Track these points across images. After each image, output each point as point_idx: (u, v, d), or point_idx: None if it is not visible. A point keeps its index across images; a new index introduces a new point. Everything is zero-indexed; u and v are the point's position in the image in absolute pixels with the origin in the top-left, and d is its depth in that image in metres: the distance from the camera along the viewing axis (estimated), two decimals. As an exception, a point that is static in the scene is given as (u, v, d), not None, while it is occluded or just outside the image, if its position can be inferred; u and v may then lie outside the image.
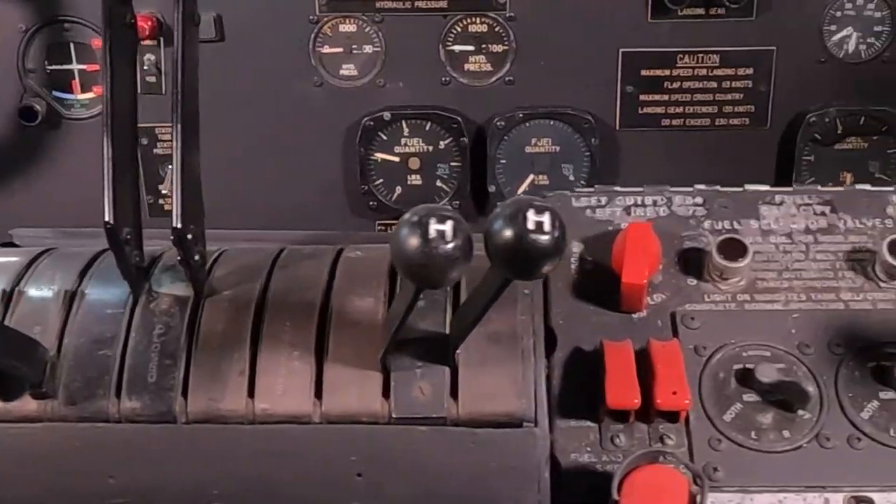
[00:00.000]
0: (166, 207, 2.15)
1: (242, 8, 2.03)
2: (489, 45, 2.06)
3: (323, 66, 2.07)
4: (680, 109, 2.10)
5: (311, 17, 2.04)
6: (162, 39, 2.05)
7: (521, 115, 2.07)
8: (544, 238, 0.97)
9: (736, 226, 1.41)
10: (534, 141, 2.09)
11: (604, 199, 1.44)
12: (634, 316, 1.34)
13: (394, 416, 1.13)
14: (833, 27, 2.04)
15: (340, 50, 2.07)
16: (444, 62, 2.06)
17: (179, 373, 1.16)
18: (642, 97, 2.09)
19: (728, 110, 2.10)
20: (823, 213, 1.42)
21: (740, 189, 1.45)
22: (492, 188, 2.10)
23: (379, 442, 1.13)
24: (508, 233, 0.97)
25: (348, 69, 2.08)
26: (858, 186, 1.45)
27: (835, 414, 1.25)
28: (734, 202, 1.43)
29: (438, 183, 2.12)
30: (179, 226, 1.14)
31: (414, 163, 2.11)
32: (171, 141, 2.06)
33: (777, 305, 1.34)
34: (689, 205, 1.43)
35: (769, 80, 2.07)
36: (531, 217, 0.97)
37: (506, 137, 2.08)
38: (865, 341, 1.30)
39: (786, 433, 1.24)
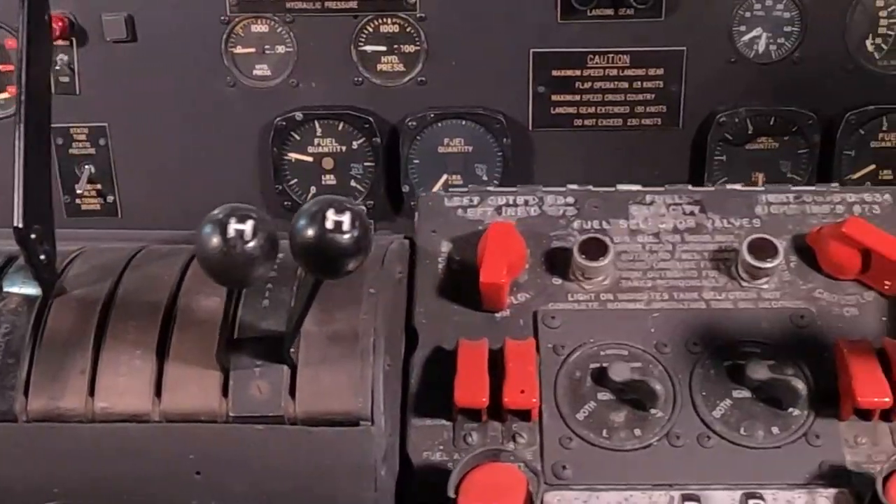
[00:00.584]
0: (83, 207, 2.16)
1: (154, 8, 2.03)
2: (401, 46, 2.07)
3: (236, 66, 2.08)
4: (592, 110, 2.10)
5: (222, 18, 2.04)
6: (74, 40, 2.05)
7: (432, 116, 2.07)
8: (343, 237, 0.98)
9: (605, 225, 1.42)
10: (446, 141, 2.10)
11: (476, 199, 1.45)
12: (497, 315, 1.35)
13: (231, 414, 1.14)
14: (743, 28, 2.05)
15: (253, 50, 2.07)
16: (357, 62, 2.07)
17: (22, 372, 1.17)
18: (554, 97, 2.09)
19: (640, 110, 2.10)
20: (692, 213, 1.43)
21: (612, 189, 1.45)
22: (405, 188, 2.11)
23: (217, 440, 1.14)
24: (309, 232, 0.98)
25: (261, 69, 2.08)
26: (729, 186, 1.46)
27: (687, 413, 1.26)
28: (605, 202, 1.44)
29: (353, 183, 2.13)
30: (21, 225, 1.14)
31: (328, 163, 2.11)
32: (83, 141, 2.11)
33: (639, 305, 1.35)
34: (560, 205, 1.44)
35: (680, 80, 2.08)
36: (331, 216, 0.98)
37: (418, 137, 2.09)
38: (723, 340, 1.31)
39: (637, 432, 1.25)
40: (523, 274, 1.38)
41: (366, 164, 2.11)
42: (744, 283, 1.36)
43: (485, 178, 2.12)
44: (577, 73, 2.08)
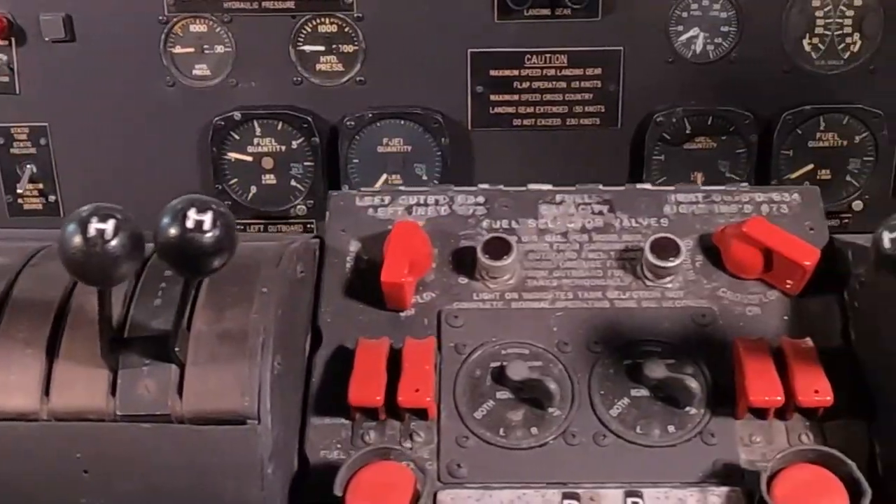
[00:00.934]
0: (25, 207, 2.16)
1: (92, 8, 2.04)
2: (339, 46, 2.07)
3: (175, 66, 2.08)
4: (531, 109, 2.11)
5: (160, 18, 2.05)
6: (13, 39, 2.05)
7: (370, 115, 2.08)
8: (204, 237, 0.98)
9: (514, 225, 1.42)
10: (385, 141, 2.10)
11: (387, 199, 1.45)
12: (402, 315, 1.35)
13: (119, 413, 1.14)
14: (680, 28, 2.05)
15: (192, 50, 2.08)
16: (295, 62, 2.07)
17: None
18: (493, 97, 2.10)
19: (578, 110, 2.11)
20: (601, 213, 1.43)
21: (523, 188, 1.46)
22: (345, 188, 2.11)
23: (105, 439, 1.14)
24: (171, 231, 0.99)
25: (201, 69, 2.09)
26: (639, 186, 1.47)
27: (584, 411, 1.27)
28: (515, 201, 1.44)
29: (293, 182, 2.13)
30: None
31: (267, 162, 2.12)
32: (23, 141, 2.12)
33: (543, 304, 1.35)
34: (471, 204, 1.44)
35: (618, 80, 2.08)
36: (192, 216, 0.98)
37: (357, 137, 2.09)
38: (624, 339, 1.31)
39: (534, 430, 1.26)
40: (430, 273, 1.38)
41: (305, 163, 2.12)
42: (648, 283, 1.37)
43: (424, 177, 2.12)
44: (515, 72, 2.08)
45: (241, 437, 1.13)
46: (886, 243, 0.96)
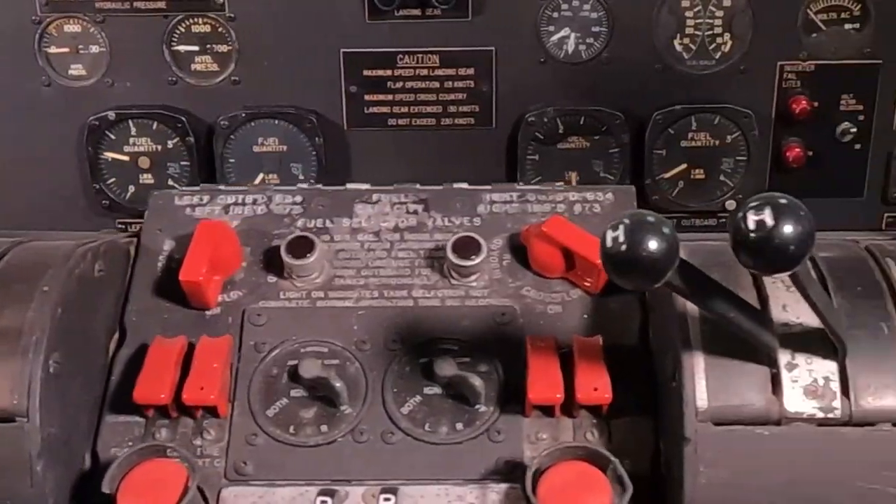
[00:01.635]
0: None
1: (-35, 8, 2.05)
2: (213, 46, 2.08)
3: (51, 65, 2.09)
4: (405, 109, 2.12)
5: (33, 18, 2.05)
6: None
7: (244, 115, 2.08)
8: None
9: (328, 224, 1.44)
10: (260, 140, 2.11)
11: (206, 198, 1.46)
12: (207, 313, 1.36)
13: None
14: (551, 28, 2.06)
15: (67, 50, 2.08)
16: (170, 62, 2.08)
17: None
18: (367, 97, 2.10)
19: (453, 110, 2.12)
20: (416, 212, 1.44)
21: (341, 188, 1.47)
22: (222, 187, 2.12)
23: None
24: None
25: (76, 69, 2.09)
26: (456, 185, 1.48)
27: (376, 409, 1.28)
28: (332, 201, 1.46)
29: (170, 182, 2.13)
30: None
31: (144, 162, 2.12)
32: None
33: (348, 303, 1.36)
34: (288, 203, 1.46)
35: (491, 80, 2.09)
36: None
37: (232, 137, 2.10)
38: (422, 338, 1.33)
39: (324, 428, 1.27)
40: (239, 272, 1.39)
41: (182, 163, 2.12)
42: (453, 281, 1.38)
43: (301, 176, 2.12)
44: (388, 73, 2.09)
45: (9, 435, 1.14)
46: (608, 242, 0.97)
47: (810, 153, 2.12)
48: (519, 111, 2.10)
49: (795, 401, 1.12)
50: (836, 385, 1.12)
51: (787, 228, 0.91)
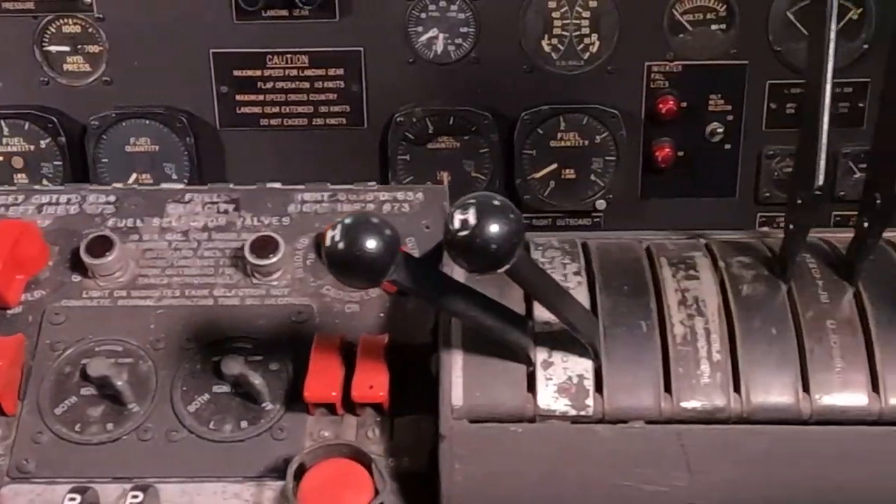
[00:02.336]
0: None
1: None
2: (84, 46, 2.09)
3: (-73, 66, 2.10)
4: (277, 109, 2.13)
5: None
6: None
7: (114, 115, 2.09)
8: None
9: (139, 223, 1.44)
10: (132, 140, 2.12)
11: (20, 198, 1.47)
12: (8, 312, 1.37)
13: None
14: (419, 28, 2.07)
15: (-61, 50, 2.09)
16: (41, 62, 2.09)
17: None
18: (238, 97, 2.12)
19: (324, 110, 2.13)
20: (226, 212, 1.45)
21: (155, 187, 1.48)
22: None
23: None
24: None
25: (-51, 69, 2.11)
26: (269, 185, 1.48)
27: (163, 408, 1.29)
28: (145, 200, 1.46)
29: (45, 182, 2.14)
30: None
31: (17, 162, 2.13)
32: None
33: (149, 302, 1.37)
34: (101, 203, 1.46)
35: (360, 80, 2.10)
36: None
37: (104, 137, 2.11)
38: (217, 336, 1.33)
39: (110, 426, 1.28)
40: (44, 271, 1.40)
41: (55, 163, 2.13)
42: (255, 281, 1.39)
43: (174, 176, 2.14)
44: (258, 73, 2.10)
45: None
46: (327, 241, 0.97)
47: (680, 153, 2.13)
48: (389, 111, 2.11)
49: (549, 398, 1.13)
50: (589, 383, 1.13)
51: (490, 228, 0.91)
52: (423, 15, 2.07)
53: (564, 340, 1.14)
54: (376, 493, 1.14)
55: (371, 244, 0.96)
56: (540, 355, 1.14)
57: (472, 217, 0.92)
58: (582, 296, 1.18)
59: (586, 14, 2.06)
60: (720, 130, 2.11)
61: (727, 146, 2.13)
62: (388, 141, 2.10)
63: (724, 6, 2.05)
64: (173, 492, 1.23)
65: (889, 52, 1.13)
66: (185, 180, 2.13)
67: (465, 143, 2.11)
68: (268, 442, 1.26)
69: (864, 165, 2.13)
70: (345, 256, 0.96)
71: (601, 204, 2.13)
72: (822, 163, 1.12)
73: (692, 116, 2.11)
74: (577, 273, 1.21)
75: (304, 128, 2.14)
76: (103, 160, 2.13)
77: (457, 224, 0.92)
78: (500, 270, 0.94)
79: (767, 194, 2.15)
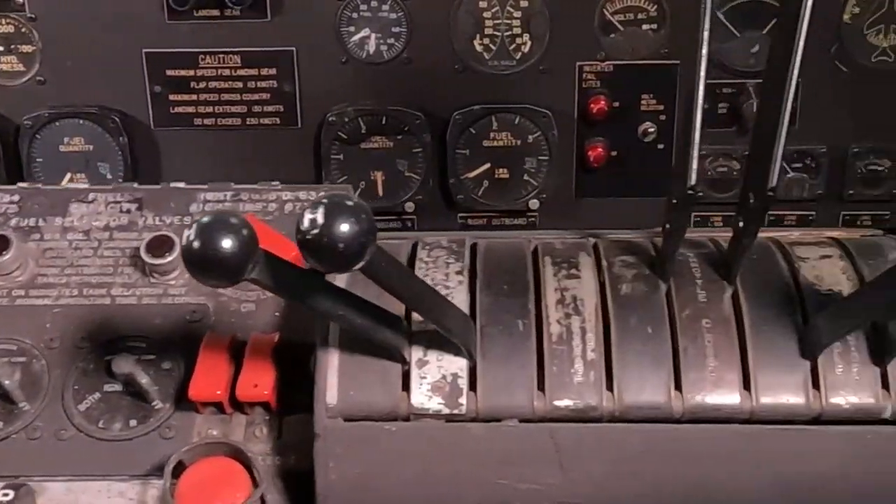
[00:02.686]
0: None
1: None
2: (18, 46, 2.09)
3: None
4: (210, 109, 2.13)
5: None
6: None
7: (47, 115, 2.10)
8: None
9: (41, 223, 1.45)
10: (66, 140, 2.12)
11: (-74, 199, 1.48)
12: None
13: None
14: (351, 28, 2.08)
15: None
16: (-24, 63, 2.10)
17: None
18: (172, 97, 2.12)
19: (258, 110, 2.13)
20: (129, 211, 1.46)
21: (59, 187, 1.49)
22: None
23: None
24: None
25: None
26: (173, 184, 1.49)
27: (54, 407, 1.29)
28: (49, 200, 1.47)
29: (-21, 181, 2.15)
30: None
31: (-48, 161, 2.14)
32: None
33: (47, 301, 1.38)
34: (5, 202, 1.47)
35: (293, 80, 2.10)
36: None
37: (38, 136, 2.11)
38: (112, 336, 1.34)
39: (0, 424, 1.28)
40: (-60, 272, 1.41)
41: (-10, 162, 2.14)
42: (152, 280, 1.39)
43: (109, 176, 2.14)
44: (191, 73, 2.10)
45: None
46: (183, 241, 0.97)
47: (613, 153, 2.14)
48: (323, 111, 2.11)
49: (422, 397, 1.13)
50: (464, 382, 1.14)
51: (338, 227, 0.91)
52: (355, 15, 2.07)
53: (441, 340, 1.14)
54: (255, 489, 1.15)
55: (226, 243, 0.96)
56: (415, 354, 1.15)
57: (320, 217, 0.92)
58: (461, 295, 1.19)
59: (517, 14, 2.07)
60: (651, 130, 2.11)
61: (660, 146, 2.13)
62: (321, 140, 2.11)
63: (655, 6, 2.06)
64: (58, 490, 1.23)
65: (768, 62, 1.14)
66: (120, 179, 2.13)
67: (398, 143, 2.12)
68: (156, 441, 1.27)
69: (797, 165, 2.14)
70: (199, 255, 0.97)
71: (534, 203, 2.14)
72: (695, 163, 1.12)
73: (624, 116, 2.11)
74: (459, 272, 1.21)
75: (239, 127, 2.14)
76: (38, 160, 2.13)
77: (306, 224, 0.93)
78: (353, 269, 0.95)
79: (700, 193, 2.14)
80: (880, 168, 2.13)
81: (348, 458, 1.13)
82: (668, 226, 1.18)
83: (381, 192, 2.14)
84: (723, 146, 2.12)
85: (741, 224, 1.16)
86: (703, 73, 1.11)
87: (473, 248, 1.27)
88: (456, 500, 1.14)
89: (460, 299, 1.18)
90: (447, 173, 2.13)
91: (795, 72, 1.10)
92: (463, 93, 2.10)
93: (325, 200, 0.93)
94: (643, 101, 2.11)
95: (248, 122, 2.14)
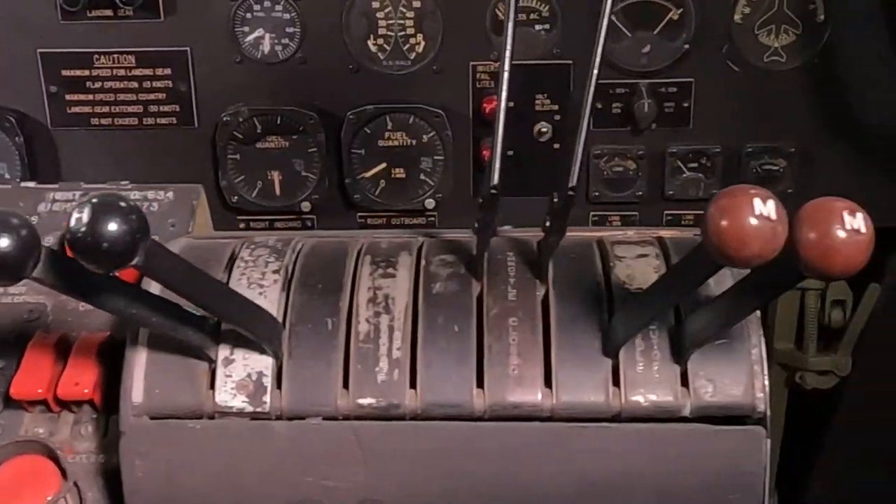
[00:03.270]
0: None
1: None
2: (-87, 46, 2.10)
3: None
4: (107, 109, 2.14)
5: None
6: None
7: (-59, 115, 2.11)
8: None
9: None
10: (-38, 140, 2.13)
11: None
12: None
13: None
14: (246, 28, 2.08)
15: None
16: None
17: None
18: (68, 97, 2.13)
19: (154, 110, 2.14)
20: (-22, 211, 1.46)
21: None
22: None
23: None
24: None
25: None
26: (24, 184, 1.50)
27: None
28: None
29: None
30: None
31: None
32: None
33: None
34: None
35: (188, 80, 2.11)
36: None
37: (-66, 136, 2.12)
38: None
39: None
40: None
41: None
42: (-6, 280, 1.40)
43: (7, 175, 2.14)
44: (87, 73, 2.11)
45: None
46: (73, 222, 0.96)
47: (510, 153, 2.14)
48: (219, 111, 2.12)
49: (227, 395, 1.14)
50: (269, 380, 1.14)
51: (102, 227, 0.92)
52: (249, 15, 2.08)
53: (250, 339, 1.15)
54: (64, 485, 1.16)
55: (2, 241, 0.97)
56: (222, 353, 1.15)
57: (85, 216, 0.93)
58: (274, 294, 1.20)
59: (410, 14, 2.07)
60: (545, 130, 2.12)
61: (556, 145, 2.14)
62: (217, 140, 2.11)
63: (547, 6, 2.06)
64: None
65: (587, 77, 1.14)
66: (18, 179, 2.14)
67: (293, 143, 2.12)
68: None
69: (693, 165, 2.15)
70: None
71: (430, 203, 2.15)
72: (497, 163, 1.13)
73: (519, 116, 2.12)
74: (276, 272, 1.22)
75: (135, 127, 2.15)
76: (-65, 159, 2.14)
77: (73, 223, 0.93)
78: (125, 268, 0.95)
79: (597, 193, 2.16)
80: (775, 167, 2.14)
81: (154, 456, 1.14)
82: (476, 225, 1.19)
83: (278, 192, 2.15)
84: (618, 146, 2.13)
85: (548, 223, 1.17)
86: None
87: (297, 247, 1.28)
88: (262, 498, 1.15)
89: (272, 298, 1.19)
90: (344, 173, 2.14)
91: (595, 71, 1.11)
92: (358, 93, 2.11)
93: (93, 200, 0.94)
94: (537, 101, 2.12)
95: (144, 122, 2.15)
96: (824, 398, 2.49)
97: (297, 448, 1.13)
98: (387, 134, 2.12)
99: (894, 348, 2.41)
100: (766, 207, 0.89)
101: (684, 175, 2.14)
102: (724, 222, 0.89)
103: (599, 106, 2.11)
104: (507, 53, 1.11)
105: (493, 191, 1.13)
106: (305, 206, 2.15)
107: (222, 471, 1.14)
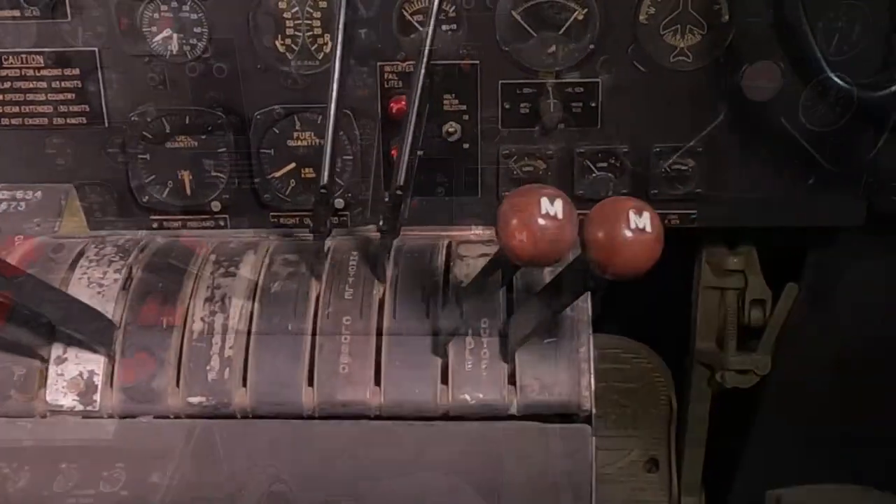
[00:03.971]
0: None
1: None
2: None
3: None
4: (17, 109, 2.14)
5: None
6: None
7: None
8: None
9: None
10: None
11: None
12: None
13: None
14: (153, 28, 2.09)
15: None
16: None
17: None
18: (-23, 97, 2.13)
19: (64, 110, 2.14)
20: None
21: None
22: None
23: None
24: None
25: None
26: None
27: None
28: None
29: None
30: None
31: None
32: None
33: None
34: None
35: (97, 80, 2.11)
36: None
37: None
38: None
39: None
40: None
41: None
42: None
43: (-81, 176, 2.15)
44: (-5, 73, 2.12)
45: None
46: None
47: (420, 153, 2.14)
48: (128, 111, 2.13)
49: (58, 394, 1.14)
50: (99, 379, 1.15)
51: None
52: (156, 15, 2.08)
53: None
54: None
55: None
56: (55, 352, 1.16)
57: None
58: (112, 293, 1.20)
59: (317, 14, 2.08)
60: (453, 130, 2.12)
61: (465, 145, 2.15)
62: (127, 140, 2.12)
63: (453, 7, 2.07)
64: None
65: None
66: (-70, 179, 2.14)
67: (202, 143, 2.13)
68: None
69: (602, 165, 2.16)
70: None
71: (339, 203, 2.15)
72: (327, 166, 1.14)
73: (429, 116, 2.12)
74: (118, 271, 1.23)
75: (46, 127, 2.15)
76: None
77: None
78: None
79: (506, 192, 2.16)
80: (684, 167, 2.14)
81: None
82: (380, 223, 1.19)
83: (189, 192, 2.15)
84: (526, 146, 2.14)
85: (381, 223, 1.18)
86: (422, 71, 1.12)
87: (145, 248, 1.29)
88: (97, 497, 1.15)
89: (111, 297, 1.19)
90: (254, 173, 2.14)
91: (422, 70, 1.12)
92: (266, 93, 2.11)
93: None
94: (446, 101, 2.12)
95: (55, 122, 2.15)
96: (747, 397, 2.50)
97: (127, 446, 1.14)
98: (295, 134, 2.12)
99: (812, 347, 2.42)
100: (553, 207, 0.90)
101: (593, 175, 2.15)
102: (514, 221, 0.90)
103: (507, 106, 2.12)
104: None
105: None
106: (216, 205, 2.15)
107: (54, 470, 1.14)
